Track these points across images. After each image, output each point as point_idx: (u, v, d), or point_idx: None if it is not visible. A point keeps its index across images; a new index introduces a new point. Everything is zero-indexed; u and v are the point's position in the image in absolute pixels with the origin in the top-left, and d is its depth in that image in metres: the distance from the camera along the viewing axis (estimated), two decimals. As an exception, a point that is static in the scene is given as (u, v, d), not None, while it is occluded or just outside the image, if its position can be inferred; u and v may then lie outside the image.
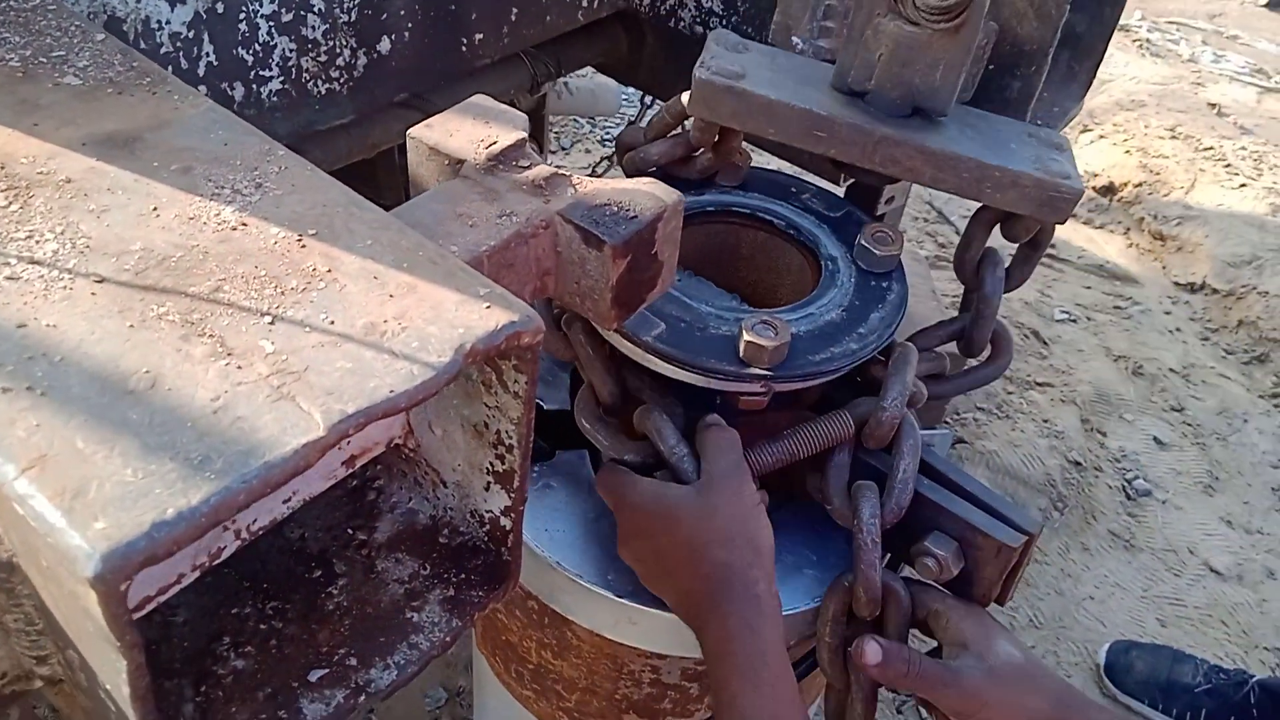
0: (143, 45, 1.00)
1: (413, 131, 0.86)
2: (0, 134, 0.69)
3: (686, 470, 1.01)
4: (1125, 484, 2.67)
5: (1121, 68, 4.44)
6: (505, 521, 0.74)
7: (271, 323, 0.58)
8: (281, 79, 1.14)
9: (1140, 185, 3.66)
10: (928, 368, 1.17)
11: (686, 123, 1.16)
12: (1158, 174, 3.68)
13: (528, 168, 0.84)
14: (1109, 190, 3.69)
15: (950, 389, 1.22)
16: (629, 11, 1.57)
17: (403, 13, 1.23)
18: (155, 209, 0.65)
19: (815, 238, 1.16)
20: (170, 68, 1.03)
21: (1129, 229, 3.60)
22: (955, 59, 1.02)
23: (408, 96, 1.33)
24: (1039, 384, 2.91)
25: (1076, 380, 2.94)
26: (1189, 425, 2.87)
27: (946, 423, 2.69)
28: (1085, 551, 2.50)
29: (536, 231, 0.80)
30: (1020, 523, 1.04)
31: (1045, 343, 3.07)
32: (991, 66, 1.18)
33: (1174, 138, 3.89)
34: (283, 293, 0.60)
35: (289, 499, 0.70)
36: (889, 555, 1.16)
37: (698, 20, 1.49)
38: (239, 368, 0.55)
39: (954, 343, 1.23)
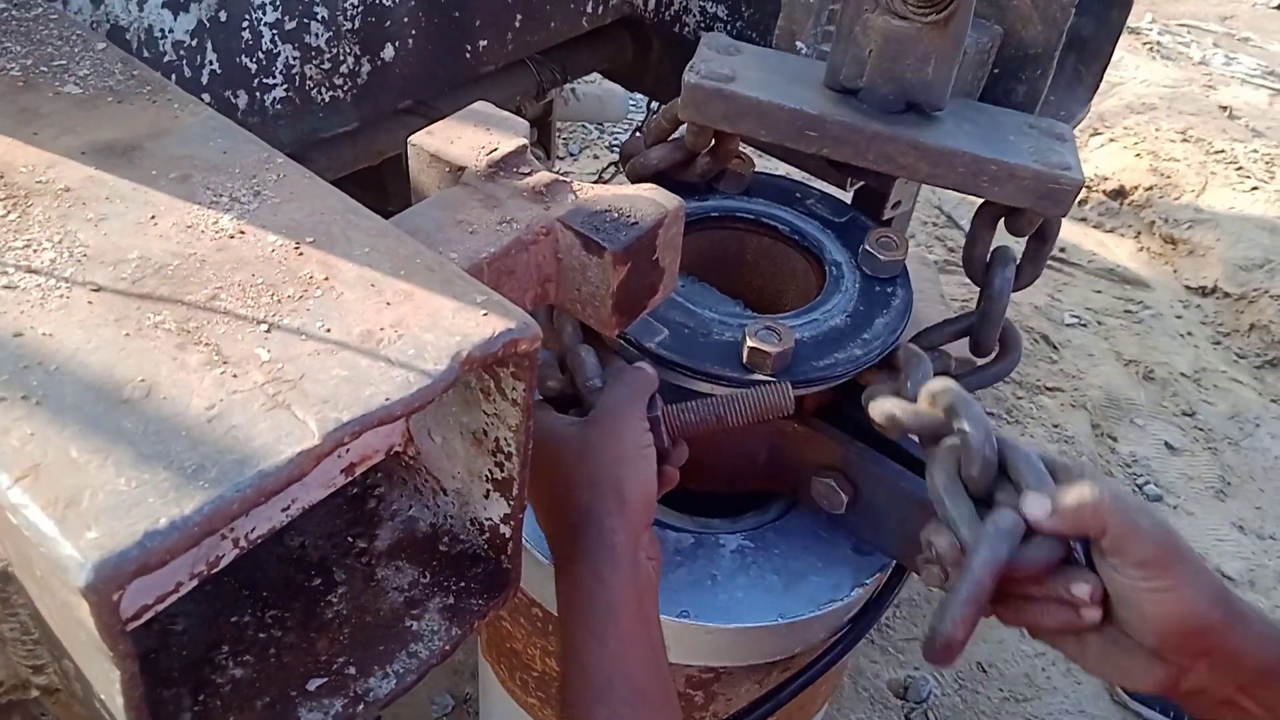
0: (146, 54, 1.00)
1: (413, 138, 0.86)
2: (0, 143, 0.69)
3: (590, 404, 0.96)
4: (1136, 489, 2.65)
5: (1132, 70, 4.42)
6: (505, 529, 0.74)
7: (268, 331, 0.58)
8: (285, 87, 1.15)
9: (1151, 189, 3.64)
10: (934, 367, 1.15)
11: (683, 127, 1.16)
12: (1169, 177, 3.66)
13: (529, 174, 0.84)
14: (1120, 194, 3.67)
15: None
16: (634, 18, 1.57)
17: (406, 20, 1.23)
18: (153, 217, 0.65)
19: (820, 243, 1.16)
20: (173, 76, 1.03)
21: (1140, 232, 3.58)
22: (946, 52, 1.01)
23: (412, 104, 1.33)
24: (1049, 389, 2.90)
25: (1087, 385, 2.93)
26: (1200, 430, 2.86)
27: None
28: (1096, 557, 2.48)
29: (537, 238, 0.80)
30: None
31: (1055, 347, 3.05)
32: (996, 70, 1.18)
33: (1185, 141, 3.87)
34: (279, 301, 0.60)
35: (288, 507, 0.69)
36: (894, 564, 1.15)
37: (702, 25, 1.49)
38: (234, 376, 0.55)
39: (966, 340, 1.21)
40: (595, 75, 1.91)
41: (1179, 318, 3.25)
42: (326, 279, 0.62)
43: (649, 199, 0.82)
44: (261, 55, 1.10)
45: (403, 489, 0.80)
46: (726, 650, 1.13)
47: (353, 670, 0.70)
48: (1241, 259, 3.35)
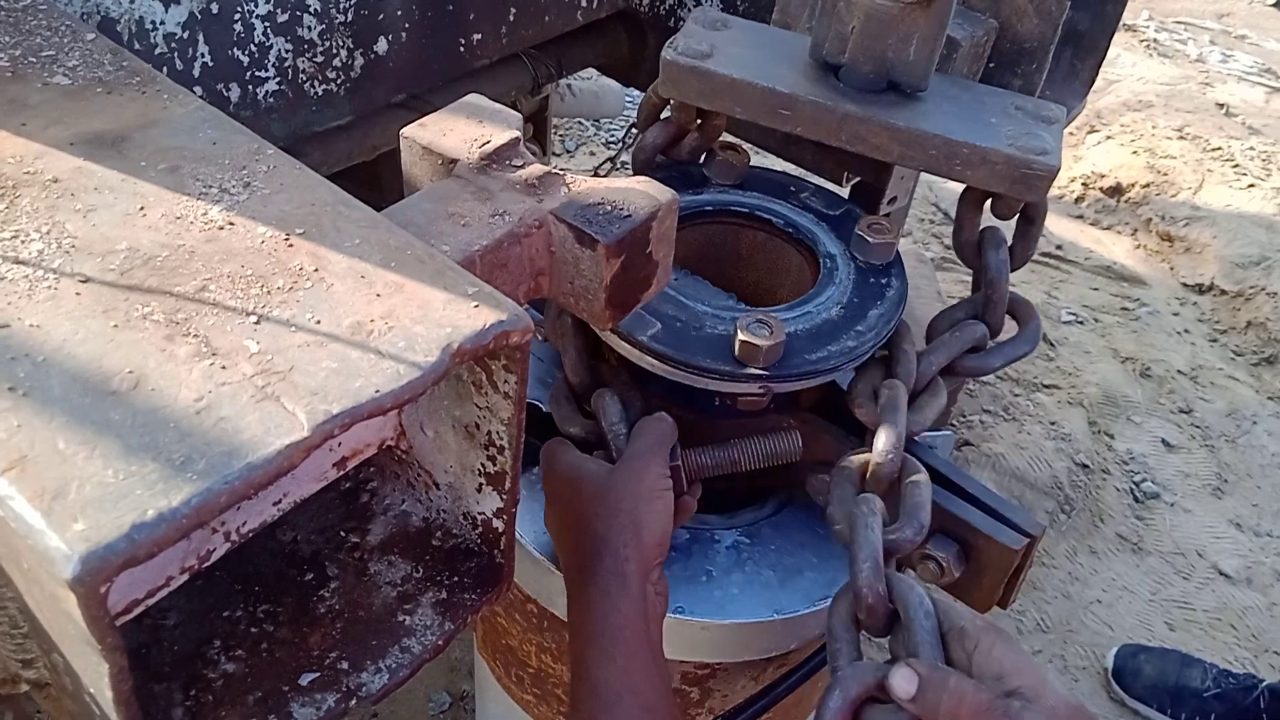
0: (137, 46, 1.00)
1: (406, 131, 0.86)
2: (-12, 134, 0.68)
3: (618, 450, 1.02)
4: (1133, 486, 2.65)
5: (1129, 68, 4.42)
6: (498, 523, 0.73)
7: (257, 322, 0.58)
8: (278, 80, 1.14)
9: (1148, 186, 3.64)
10: (965, 341, 1.12)
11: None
12: (1165, 174, 3.66)
13: (521, 167, 0.83)
14: (1116, 191, 3.67)
15: (986, 364, 1.15)
16: (629, 12, 1.56)
17: (400, 13, 1.22)
18: (142, 208, 0.64)
19: (813, 235, 1.15)
20: (165, 69, 1.03)
21: (1136, 230, 3.58)
22: (928, 33, 1.00)
23: (406, 98, 1.33)
24: (1046, 386, 2.90)
25: (1084, 382, 2.92)
26: (1197, 427, 2.86)
27: (952, 425, 2.68)
28: (1093, 555, 2.49)
29: (530, 231, 0.79)
30: (1023, 524, 1.03)
31: (1052, 344, 3.05)
32: (992, 64, 1.18)
33: (1182, 138, 3.87)
34: (269, 292, 0.60)
35: (279, 501, 0.69)
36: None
37: (698, 20, 1.48)
38: (223, 368, 0.55)
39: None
40: (591, 71, 1.91)
41: (1176, 315, 3.25)
42: (316, 270, 0.61)
43: (642, 192, 0.82)
44: (254, 48, 1.10)
45: (395, 483, 0.79)
46: (722, 646, 1.13)
47: (345, 665, 0.70)
48: (1238, 256, 3.35)
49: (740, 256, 1.23)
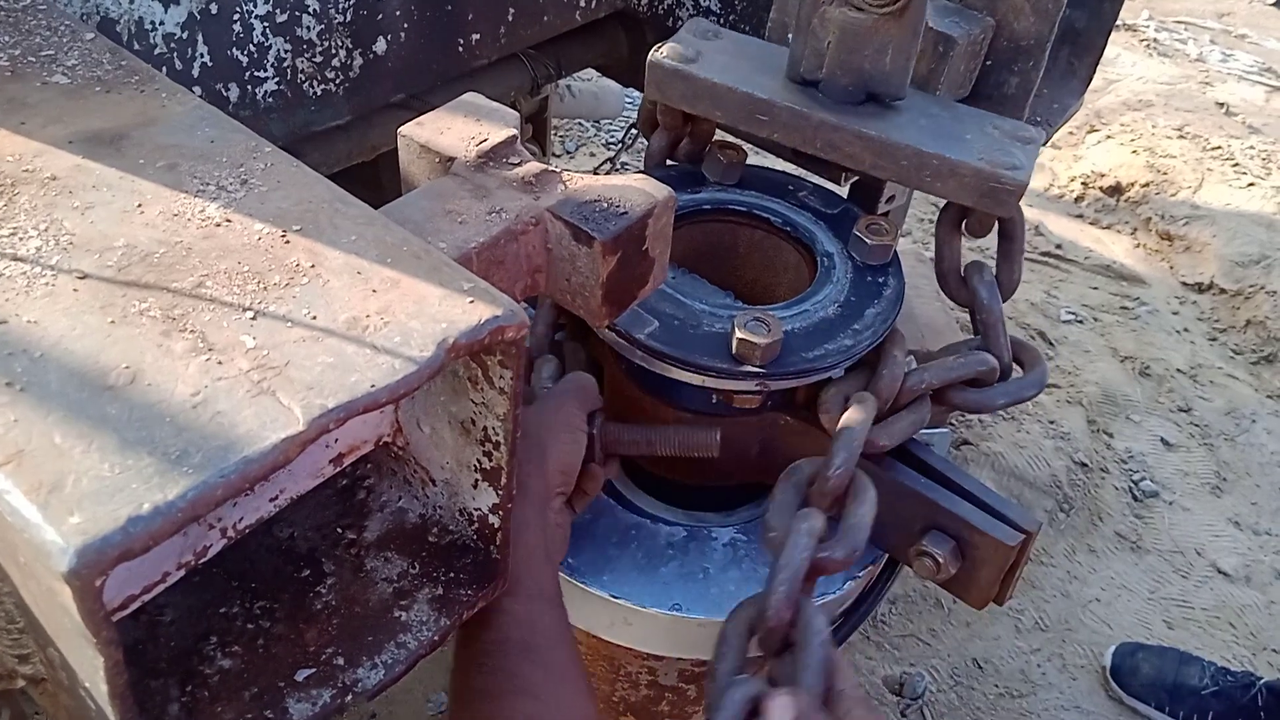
0: (136, 46, 1.00)
1: (403, 129, 0.86)
2: (-14, 132, 0.69)
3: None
4: (1132, 485, 2.65)
5: (1129, 67, 4.42)
6: (494, 519, 0.74)
7: (253, 318, 0.58)
8: (277, 80, 1.14)
9: (1148, 185, 3.64)
10: (967, 368, 1.09)
11: None
12: (1165, 174, 3.66)
13: (518, 165, 0.84)
14: (1116, 190, 3.67)
15: (989, 401, 1.12)
16: (627, 12, 1.56)
17: (398, 13, 1.22)
18: (140, 206, 0.65)
19: (811, 234, 1.16)
20: (164, 69, 1.03)
21: (1136, 229, 3.58)
22: (903, 43, 1.02)
23: (405, 98, 1.33)
24: (1045, 385, 2.90)
25: (1083, 381, 2.92)
26: (1196, 426, 2.86)
27: (951, 423, 2.68)
28: (1091, 553, 2.49)
29: (526, 228, 0.79)
30: (1019, 521, 1.04)
31: (1052, 344, 3.05)
32: (989, 62, 1.18)
33: (1182, 137, 3.87)
34: (265, 288, 0.60)
35: (276, 497, 0.69)
36: (886, 557, 1.16)
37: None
38: (219, 363, 0.55)
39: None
40: (591, 72, 1.91)
41: (1175, 314, 3.25)
42: (313, 266, 0.62)
43: (638, 189, 0.82)
44: (253, 48, 1.10)
45: (392, 480, 0.80)
46: (719, 643, 1.13)
47: (341, 661, 0.70)
48: (1238, 255, 3.35)
49: (738, 255, 1.23)
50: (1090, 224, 3.60)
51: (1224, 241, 3.40)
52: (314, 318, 0.58)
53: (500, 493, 0.71)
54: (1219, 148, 3.83)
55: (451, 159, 0.83)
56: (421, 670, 0.75)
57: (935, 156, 1.01)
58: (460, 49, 1.33)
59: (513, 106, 1.21)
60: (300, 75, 1.16)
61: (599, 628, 1.12)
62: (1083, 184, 3.70)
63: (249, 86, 1.12)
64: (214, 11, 1.05)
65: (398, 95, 1.31)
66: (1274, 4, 5.30)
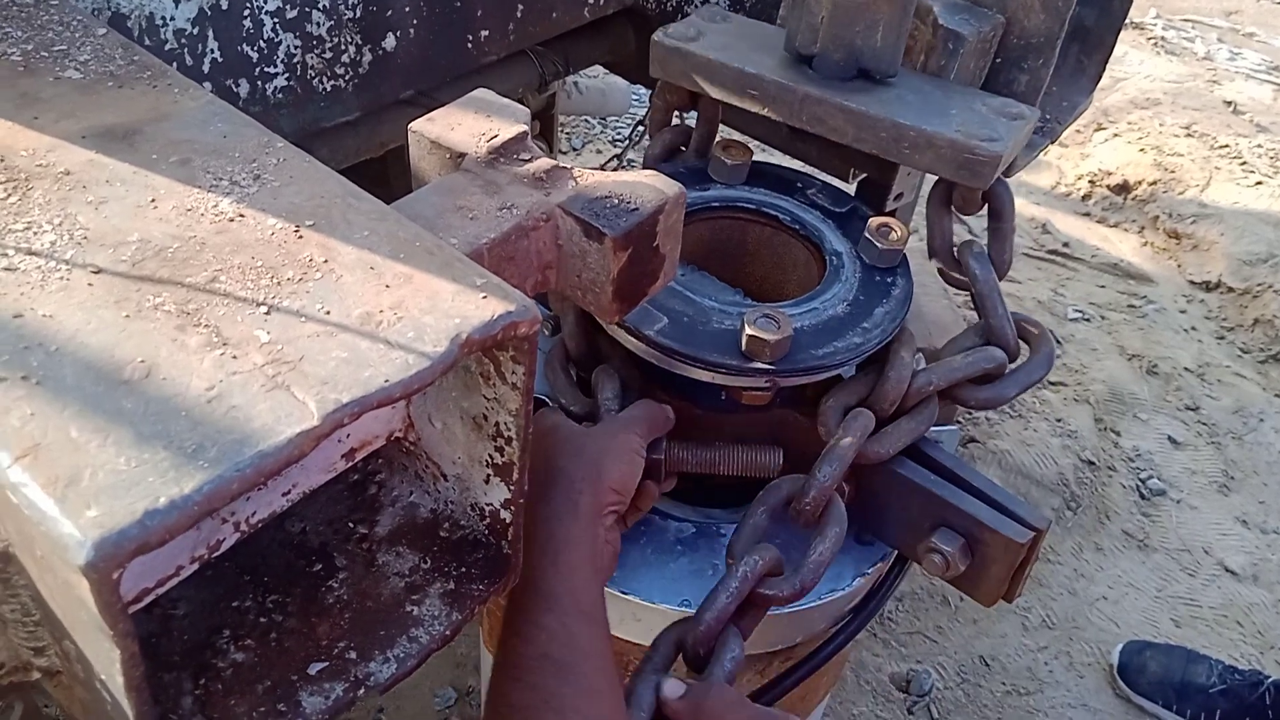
0: (147, 42, 1.00)
1: (414, 125, 0.86)
2: (0, 127, 0.69)
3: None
4: (1139, 483, 2.65)
5: (1136, 66, 4.41)
6: (505, 514, 0.74)
7: (267, 313, 0.58)
8: (286, 76, 1.14)
9: (1155, 183, 3.63)
10: (976, 366, 1.09)
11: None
12: (1173, 172, 3.66)
13: (529, 160, 0.84)
14: (1124, 189, 3.66)
15: (1001, 395, 1.11)
16: (636, 9, 1.56)
17: (407, 9, 1.23)
18: (153, 201, 0.65)
19: (820, 232, 1.16)
20: (175, 65, 1.03)
21: (1143, 227, 3.57)
22: (894, 20, 1.04)
23: (414, 94, 1.33)
24: (1052, 383, 2.89)
25: (1090, 379, 2.92)
26: (1204, 424, 2.85)
27: (958, 421, 2.68)
28: (1099, 551, 2.48)
29: (537, 224, 0.79)
30: (1028, 519, 1.03)
31: (1059, 342, 3.05)
32: (999, 60, 1.18)
33: (1189, 136, 3.86)
34: (279, 283, 0.60)
35: (288, 492, 0.69)
36: (895, 553, 1.16)
37: (704, 16, 1.49)
38: (234, 357, 0.55)
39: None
40: (598, 68, 1.91)
41: (1183, 312, 3.24)
42: (326, 262, 0.62)
43: (649, 185, 0.82)
44: (263, 44, 1.10)
45: (403, 475, 0.80)
46: (728, 640, 1.13)
47: (353, 655, 0.70)
48: (1245, 254, 3.34)
49: (747, 252, 1.23)
50: (1098, 222, 3.60)
51: (1232, 240, 3.39)
52: (328, 313, 0.58)
53: (512, 488, 0.72)
54: (1227, 146, 3.82)
55: (462, 155, 0.84)
56: (428, 665, 0.75)
57: (913, 129, 1.04)
58: (469, 45, 1.33)
59: (520, 103, 1.21)
60: (310, 71, 1.17)
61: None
62: (1090, 182, 3.70)
63: (259, 82, 1.12)
64: (224, 7, 1.05)
65: (407, 91, 1.31)
66: (1282, 2, 5.28)
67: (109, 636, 0.49)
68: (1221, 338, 3.17)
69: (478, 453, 0.72)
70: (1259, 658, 2.30)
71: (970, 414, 2.73)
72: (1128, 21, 1.39)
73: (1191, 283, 3.36)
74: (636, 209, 0.80)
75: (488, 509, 0.75)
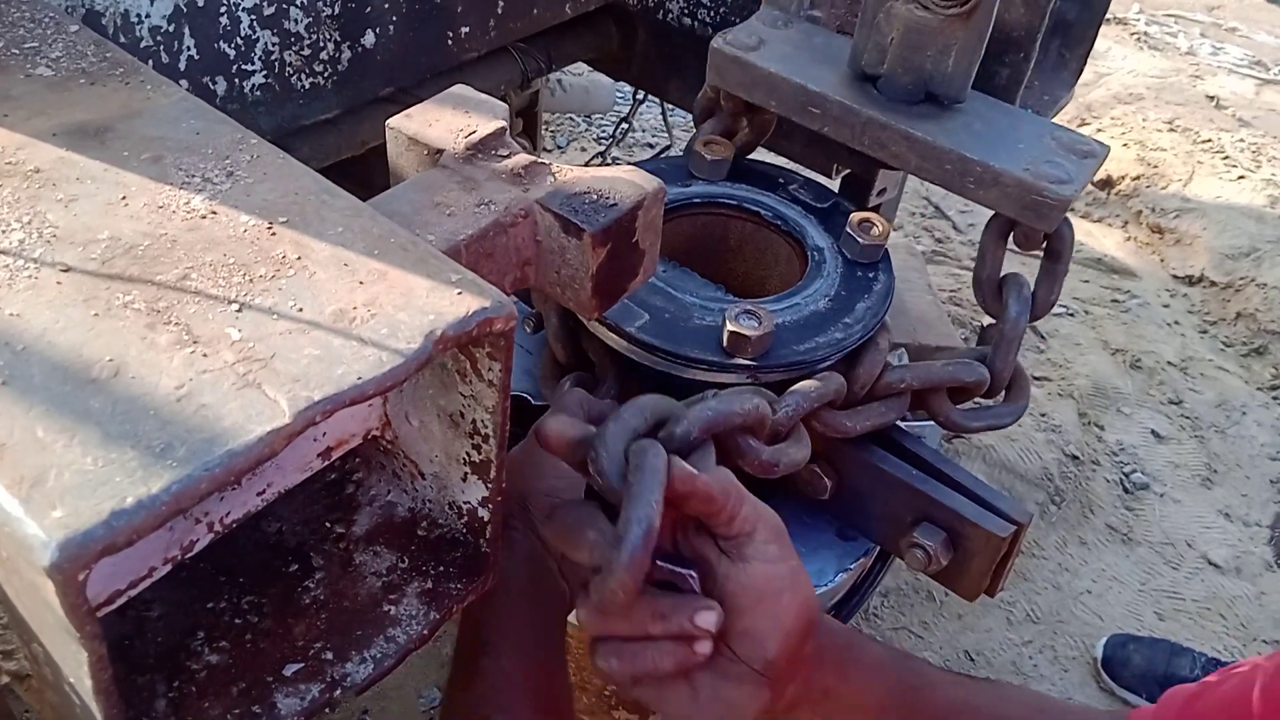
0: (122, 39, 0.99)
1: (392, 121, 0.86)
2: (-31, 124, 0.68)
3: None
4: (1123, 477, 2.66)
5: (1119, 61, 4.42)
6: (483, 513, 0.73)
7: (239, 310, 0.57)
8: (264, 73, 1.14)
9: (1138, 178, 3.64)
10: (957, 374, 1.08)
11: None
12: (1156, 167, 3.67)
13: (507, 156, 0.83)
14: (1107, 184, 3.67)
15: (966, 423, 1.11)
16: (618, 4, 1.56)
17: (387, 6, 1.22)
18: (124, 198, 0.64)
19: (802, 228, 1.15)
20: (150, 62, 1.02)
21: (1127, 222, 3.58)
22: (968, 45, 1.00)
23: (394, 91, 1.32)
24: (1036, 378, 2.90)
25: (1074, 374, 2.93)
26: (1187, 418, 2.86)
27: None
28: (1083, 545, 2.49)
29: (515, 220, 0.79)
30: (1009, 512, 1.04)
31: (1042, 337, 3.05)
32: (980, 54, 1.17)
33: (1172, 130, 3.87)
34: (251, 280, 0.59)
35: (263, 491, 0.69)
36: (878, 549, 1.15)
37: (686, 12, 1.48)
38: (204, 355, 0.55)
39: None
40: (582, 66, 1.90)
41: (1166, 306, 3.26)
42: (299, 258, 0.61)
43: (628, 180, 0.82)
44: (240, 41, 1.09)
45: (381, 474, 0.79)
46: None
47: (330, 655, 0.69)
48: (1228, 248, 3.35)
49: (729, 248, 1.23)
50: (1081, 217, 3.60)
51: (1214, 234, 3.40)
52: (300, 310, 0.58)
53: (490, 486, 0.71)
54: (1209, 141, 3.84)
55: (440, 151, 0.83)
56: (413, 666, 0.74)
57: (979, 164, 1.00)
58: (450, 42, 1.33)
59: (503, 100, 1.20)
60: (288, 69, 1.16)
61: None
62: (1074, 177, 3.70)
63: (236, 80, 1.12)
64: (201, 4, 1.04)
65: (387, 89, 1.30)
66: (1264, -3, 5.31)
67: (76, 639, 0.48)
68: (1204, 331, 3.18)
69: (455, 450, 0.72)
70: (1242, 650, 2.31)
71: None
72: (1110, 16, 1.40)
73: (1175, 277, 3.37)
74: (615, 204, 0.80)
75: (465, 507, 0.74)
